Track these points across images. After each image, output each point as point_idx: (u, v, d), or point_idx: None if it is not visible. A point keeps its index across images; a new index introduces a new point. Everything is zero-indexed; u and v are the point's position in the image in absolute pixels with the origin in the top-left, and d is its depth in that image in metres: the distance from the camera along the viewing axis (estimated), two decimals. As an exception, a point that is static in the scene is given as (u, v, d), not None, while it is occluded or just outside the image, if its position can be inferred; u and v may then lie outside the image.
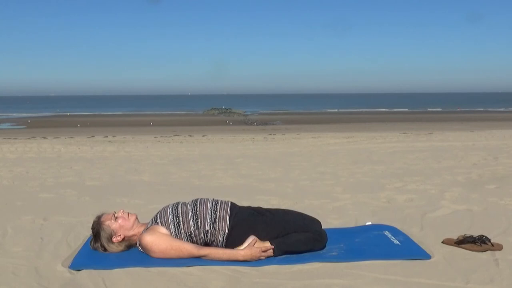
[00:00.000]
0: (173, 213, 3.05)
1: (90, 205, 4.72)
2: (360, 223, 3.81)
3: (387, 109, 48.69)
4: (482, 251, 2.97)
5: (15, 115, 43.36)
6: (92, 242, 3.11)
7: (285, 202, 4.73)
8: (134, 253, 3.04)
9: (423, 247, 3.09)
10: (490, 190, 5.14)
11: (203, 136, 18.67)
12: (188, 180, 6.32)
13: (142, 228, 3.11)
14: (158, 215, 3.09)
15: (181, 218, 3.01)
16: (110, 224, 3.09)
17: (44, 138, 17.52)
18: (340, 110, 48.97)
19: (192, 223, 3.00)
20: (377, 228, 3.55)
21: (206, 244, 3.01)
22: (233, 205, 3.13)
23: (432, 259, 2.89)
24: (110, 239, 3.06)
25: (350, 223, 3.85)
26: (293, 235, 2.98)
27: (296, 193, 5.26)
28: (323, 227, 3.16)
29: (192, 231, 3.00)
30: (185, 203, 3.14)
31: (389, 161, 8.14)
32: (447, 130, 19.23)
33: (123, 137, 18.15)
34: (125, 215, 3.15)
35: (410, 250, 3.01)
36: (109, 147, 12.73)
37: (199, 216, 3.02)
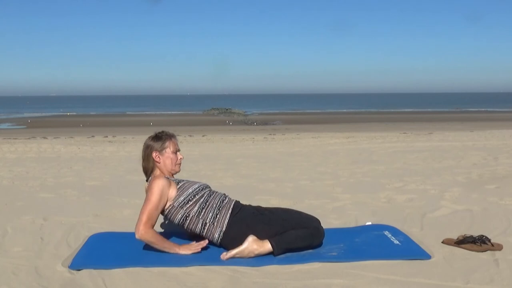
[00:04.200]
0: (193, 191, 3.09)
1: (90, 205, 4.72)
2: (360, 223, 3.81)
3: (387, 109, 48.67)
4: (482, 251, 2.97)
5: (15, 115, 43.34)
6: (152, 138, 3.25)
7: (285, 202, 4.73)
8: (134, 253, 3.04)
9: (423, 247, 3.09)
10: (490, 190, 5.14)
11: (203, 136, 18.66)
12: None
13: (166, 179, 3.11)
14: (183, 181, 3.15)
15: (193, 199, 3.07)
16: (167, 153, 3.19)
17: (44, 138, 17.51)
18: (340, 110, 48.97)
19: (196, 208, 3.07)
20: (377, 228, 3.55)
21: (199, 236, 3.08)
22: (236, 204, 3.16)
23: (432, 259, 2.89)
24: (155, 148, 3.20)
25: (350, 223, 3.85)
26: (292, 232, 2.99)
27: (296, 193, 5.26)
28: (322, 226, 3.17)
29: (192, 215, 3.06)
30: (208, 189, 3.18)
31: (389, 161, 8.14)
32: (447, 130, 19.22)
33: (123, 137, 18.15)
34: (177, 165, 3.24)
35: (410, 250, 3.01)
36: (109, 147, 12.72)
37: (205, 206, 3.08)
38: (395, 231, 3.44)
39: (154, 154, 3.20)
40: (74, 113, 45.55)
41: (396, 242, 3.19)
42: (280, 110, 49.44)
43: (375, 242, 3.19)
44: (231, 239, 3.01)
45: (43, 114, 44.64)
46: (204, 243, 3.03)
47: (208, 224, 3.06)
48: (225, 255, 2.91)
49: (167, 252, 2.97)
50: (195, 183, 3.18)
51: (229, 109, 47.33)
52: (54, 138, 17.45)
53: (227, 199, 3.17)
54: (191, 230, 3.13)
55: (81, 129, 24.91)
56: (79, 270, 2.74)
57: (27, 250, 3.14)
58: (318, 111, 47.63)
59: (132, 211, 4.44)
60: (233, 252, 2.92)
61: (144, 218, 2.97)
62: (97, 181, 6.39)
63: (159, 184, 3.05)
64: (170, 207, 3.09)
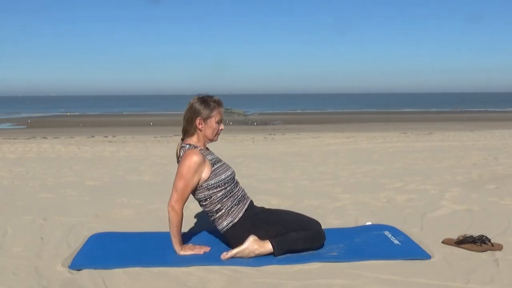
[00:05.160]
0: (226, 177, 3.06)
1: (90, 205, 4.72)
2: (360, 223, 3.81)
3: (387, 109, 48.68)
4: (482, 251, 2.97)
5: (15, 115, 43.34)
6: (201, 102, 3.08)
7: (285, 202, 4.73)
8: (134, 253, 3.04)
9: (423, 247, 3.09)
10: (490, 190, 5.14)
11: (203, 136, 18.64)
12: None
13: (201, 152, 3.05)
14: (218, 163, 3.10)
15: (222, 186, 3.04)
16: (211, 122, 3.08)
17: (44, 138, 17.51)
18: (340, 110, 48.97)
19: (221, 194, 3.05)
20: (377, 228, 3.55)
21: (208, 216, 3.11)
22: (251, 202, 3.19)
23: (432, 259, 2.89)
24: (200, 114, 3.05)
25: (350, 223, 3.85)
26: (293, 234, 3.00)
27: (296, 193, 5.26)
28: (323, 227, 3.17)
29: (214, 198, 3.04)
30: (235, 178, 3.17)
31: (389, 161, 8.14)
32: (447, 130, 19.22)
33: (123, 137, 18.14)
34: (216, 135, 3.16)
35: (410, 250, 3.01)
36: (109, 147, 12.72)
37: (229, 195, 3.07)
38: (395, 231, 3.44)
39: (198, 121, 3.07)
40: (74, 113, 45.56)
41: (396, 242, 3.19)
42: (280, 110, 49.43)
43: (375, 242, 3.19)
44: (235, 232, 3.03)
45: (43, 114, 44.63)
46: (207, 248, 3.05)
47: (223, 211, 3.06)
48: (226, 254, 2.92)
49: (169, 251, 2.97)
50: (228, 169, 3.13)
51: (229, 109, 47.28)
52: (54, 138, 17.44)
53: (246, 195, 3.20)
54: (204, 208, 3.12)
55: (81, 129, 24.90)
56: (79, 270, 2.74)
57: (27, 250, 3.14)
58: (318, 111, 47.61)
59: (132, 211, 4.44)
60: (234, 251, 2.92)
61: (175, 196, 2.98)
62: (97, 181, 6.39)
63: (195, 161, 2.96)
64: (198, 186, 3.06)
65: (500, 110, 45.74)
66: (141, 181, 6.44)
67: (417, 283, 2.53)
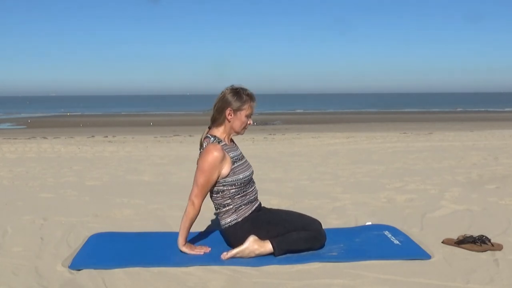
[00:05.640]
0: (243, 177, 3.05)
1: (90, 205, 4.72)
2: (360, 223, 3.81)
3: (387, 109, 48.67)
4: (482, 251, 2.97)
5: (15, 115, 43.34)
6: (234, 94, 3.05)
7: (285, 202, 4.73)
8: (134, 253, 3.04)
9: (423, 247, 3.09)
10: (490, 190, 5.14)
11: (203, 136, 18.64)
12: (188, 180, 6.28)
13: (223, 148, 3.02)
14: (239, 161, 3.07)
15: (238, 185, 3.03)
16: (241, 115, 3.05)
17: (44, 138, 17.51)
18: (340, 110, 48.96)
19: (234, 192, 3.04)
20: (377, 228, 3.55)
21: (214, 207, 3.11)
22: (259, 205, 3.19)
23: (432, 259, 2.89)
24: (231, 106, 3.02)
25: (350, 223, 3.85)
26: (293, 234, 2.99)
27: (296, 193, 5.26)
28: (323, 227, 3.17)
29: (226, 193, 3.03)
30: (252, 179, 3.15)
31: (389, 161, 8.14)
32: (447, 130, 19.21)
33: (123, 137, 18.14)
34: (244, 129, 3.13)
35: (410, 250, 3.01)
36: (109, 147, 12.72)
37: (242, 194, 3.06)
38: (395, 231, 3.44)
39: (228, 111, 3.03)
40: (74, 113, 45.55)
41: (396, 242, 3.19)
42: (280, 110, 49.42)
43: (375, 242, 3.19)
44: (236, 231, 3.03)
45: (43, 114, 44.62)
46: (207, 249, 3.06)
47: (230, 207, 3.06)
48: (226, 254, 2.92)
49: (169, 251, 2.97)
50: (247, 169, 3.12)
51: (229, 109, 47.22)
52: (54, 138, 17.44)
53: (257, 198, 3.20)
54: (213, 200, 3.12)
55: (81, 129, 24.90)
56: (79, 270, 2.74)
57: (27, 250, 3.14)
58: (318, 111, 47.61)
59: (132, 211, 4.44)
60: (234, 251, 2.92)
61: (196, 190, 2.97)
62: (97, 181, 6.39)
63: (216, 158, 2.94)
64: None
65: (500, 110, 45.73)
66: (141, 181, 6.44)
67: (417, 283, 2.53)
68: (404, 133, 17.97)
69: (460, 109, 48.75)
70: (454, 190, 5.17)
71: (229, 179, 3.01)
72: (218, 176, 3.00)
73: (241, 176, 3.04)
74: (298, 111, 48.71)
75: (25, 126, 28.01)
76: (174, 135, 18.97)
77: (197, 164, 3.04)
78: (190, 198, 3.00)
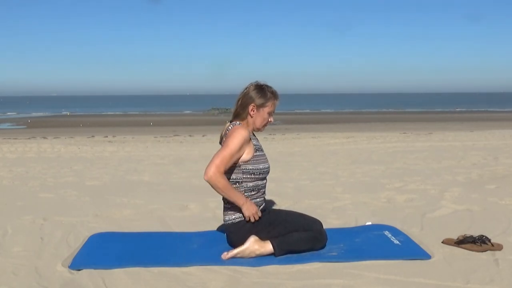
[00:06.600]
0: (263, 168, 3.08)
1: (90, 205, 4.72)
2: (360, 223, 3.81)
3: (387, 109, 48.66)
4: (482, 251, 2.97)
5: (15, 115, 43.34)
6: (258, 90, 3.07)
7: (285, 202, 4.73)
8: (134, 253, 3.04)
9: (423, 247, 3.09)
10: (490, 190, 5.13)
11: (203, 136, 18.66)
12: (188, 180, 6.31)
13: (249, 133, 3.04)
14: (261, 150, 3.12)
15: (256, 175, 3.05)
16: (264, 112, 3.06)
17: (44, 138, 17.51)
18: (340, 110, 48.96)
19: (250, 185, 3.05)
20: (377, 228, 3.55)
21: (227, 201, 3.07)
22: (264, 207, 3.18)
23: (432, 259, 2.89)
24: (254, 102, 3.04)
25: (350, 223, 3.85)
26: (294, 234, 2.99)
27: (296, 193, 5.26)
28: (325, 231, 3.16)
29: (241, 184, 3.02)
30: (268, 174, 3.18)
31: (389, 161, 8.14)
32: (447, 130, 19.21)
33: (123, 137, 18.14)
34: (264, 126, 3.14)
35: (410, 250, 3.01)
36: (109, 147, 12.73)
37: (255, 189, 3.07)
38: (395, 231, 3.44)
39: (251, 107, 3.05)
40: (74, 113, 45.55)
41: (396, 242, 3.19)
42: (280, 110, 49.37)
43: (375, 242, 3.19)
44: (237, 230, 3.02)
45: (43, 114, 44.62)
46: (258, 215, 3.00)
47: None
48: (226, 254, 2.91)
49: (169, 251, 2.97)
50: (266, 161, 3.14)
51: (229, 109, 47.12)
52: (54, 138, 17.44)
53: (265, 199, 3.20)
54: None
55: (81, 129, 24.90)
56: (79, 270, 2.74)
57: (27, 250, 3.14)
58: (318, 111, 47.61)
59: (132, 211, 4.44)
60: (234, 251, 2.92)
61: (217, 161, 2.87)
62: (97, 181, 6.39)
63: (243, 135, 2.95)
64: (236, 164, 3.01)
65: (500, 110, 45.72)
66: (141, 181, 6.44)
67: (417, 283, 2.53)
68: (404, 133, 17.97)
69: (460, 109, 48.75)
70: (454, 190, 5.16)
71: (250, 166, 3.01)
72: (240, 158, 2.97)
73: (261, 166, 3.06)
74: (298, 111, 48.70)
75: (25, 126, 28.01)
76: (174, 135, 18.98)
77: (221, 145, 3.02)
78: (210, 171, 2.83)
